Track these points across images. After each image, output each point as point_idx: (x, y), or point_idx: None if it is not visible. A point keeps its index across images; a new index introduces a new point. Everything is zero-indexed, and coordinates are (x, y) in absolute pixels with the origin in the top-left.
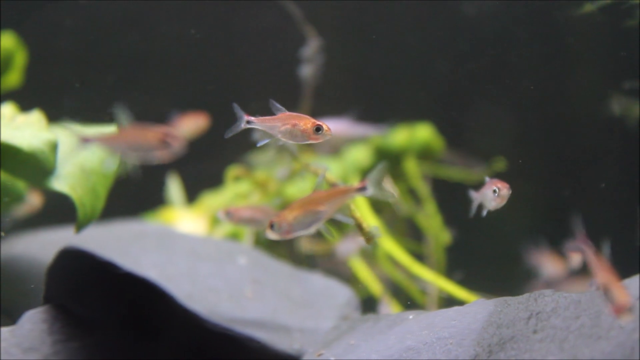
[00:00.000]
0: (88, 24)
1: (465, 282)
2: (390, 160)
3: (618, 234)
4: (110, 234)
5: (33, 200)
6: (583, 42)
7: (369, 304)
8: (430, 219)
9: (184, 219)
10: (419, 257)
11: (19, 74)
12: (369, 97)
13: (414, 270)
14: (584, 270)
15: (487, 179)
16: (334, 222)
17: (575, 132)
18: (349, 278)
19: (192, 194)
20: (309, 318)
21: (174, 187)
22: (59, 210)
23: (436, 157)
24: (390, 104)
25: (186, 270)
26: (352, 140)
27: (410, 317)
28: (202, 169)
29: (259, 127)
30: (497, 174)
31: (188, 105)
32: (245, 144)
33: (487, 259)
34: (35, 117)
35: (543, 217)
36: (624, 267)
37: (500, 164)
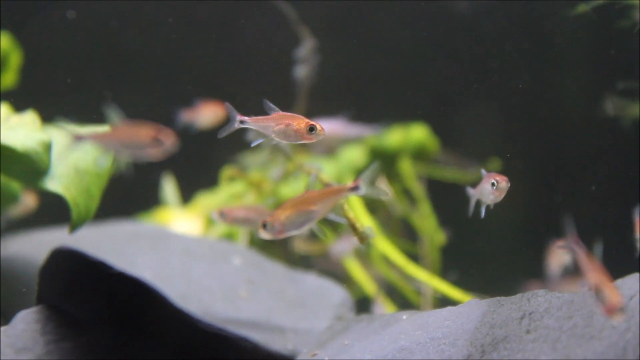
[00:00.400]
0: (84, 23)
1: (460, 282)
2: (384, 161)
3: (611, 235)
4: (105, 234)
5: (27, 201)
6: (577, 42)
7: (363, 304)
8: (425, 220)
9: (179, 219)
10: (414, 257)
11: (14, 74)
12: (363, 97)
13: (409, 270)
14: (575, 270)
15: (483, 172)
16: (328, 223)
17: (569, 133)
18: (344, 278)
19: (186, 194)
20: (303, 318)
21: (169, 187)
22: (53, 210)
23: (431, 158)
24: (385, 104)
25: (181, 270)
26: (346, 141)
27: (404, 317)
28: (196, 169)
29: (253, 127)
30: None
31: (183, 105)
32: (239, 144)
33: (481, 259)
34: (29, 118)
35: (536, 217)
36: (617, 267)
37: (495, 164)
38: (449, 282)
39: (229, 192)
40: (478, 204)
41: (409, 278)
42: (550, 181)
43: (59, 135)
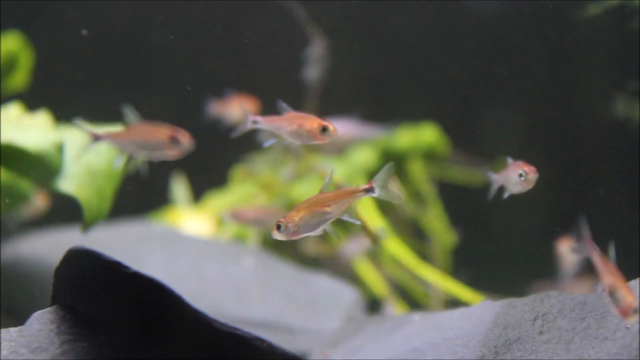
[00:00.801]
0: (98, 22)
1: (471, 283)
2: (395, 162)
3: (625, 236)
4: (116, 236)
5: (39, 201)
6: (589, 43)
7: (374, 305)
8: (436, 220)
9: (190, 219)
10: (425, 257)
11: (24, 75)
12: (374, 97)
13: (420, 271)
14: (586, 270)
15: (509, 160)
16: (339, 223)
17: (581, 134)
18: (355, 279)
19: (196, 193)
20: (314, 319)
21: (179, 187)
22: (66, 211)
23: (441, 158)
24: (396, 103)
25: (192, 271)
26: (357, 141)
27: (416, 318)
28: (206, 168)
29: (265, 127)
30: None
31: (194, 106)
32: (250, 144)
33: (493, 259)
34: (42, 118)
35: (549, 218)
36: (631, 269)
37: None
38: (460, 283)
39: (239, 193)
40: (500, 190)
41: (419, 279)
42: (563, 182)
43: (72, 135)
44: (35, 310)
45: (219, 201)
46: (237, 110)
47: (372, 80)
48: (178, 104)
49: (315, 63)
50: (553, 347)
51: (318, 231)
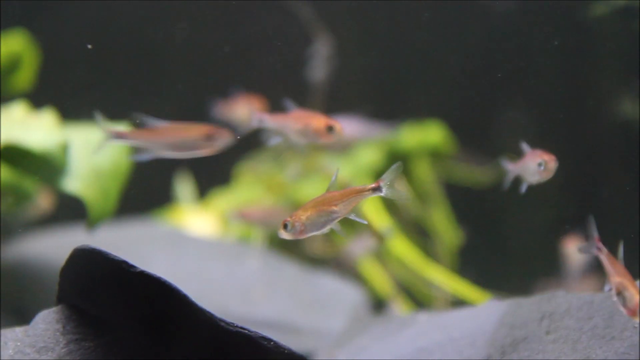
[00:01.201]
0: (105, 21)
1: (477, 282)
2: (401, 161)
3: (634, 235)
4: (121, 236)
5: (44, 201)
6: (598, 43)
7: (380, 305)
8: (442, 220)
9: (195, 218)
10: (431, 256)
11: (29, 74)
12: (380, 95)
13: (426, 271)
14: (592, 269)
15: (527, 148)
16: (346, 223)
17: (589, 133)
18: (360, 279)
19: (200, 191)
20: (320, 319)
21: (184, 185)
22: (71, 210)
23: (447, 157)
24: (402, 101)
25: (197, 271)
26: (363, 139)
27: (423, 318)
28: (209, 166)
29: (271, 126)
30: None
31: (196, 106)
32: (255, 141)
33: (499, 259)
34: (47, 118)
35: (556, 218)
36: (638, 268)
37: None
38: (467, 282)
39: (244, 192)
40: (517, 180)
41: (426, 279)
42: (570, 181)
43: (78, 134)
44: (40, 310)
45: (224, 200)
46: (243, 109)
47: (378, 79)
48: (184, 104)
49: (321, 61)
50: (560, 347)
51: (325, 230)
